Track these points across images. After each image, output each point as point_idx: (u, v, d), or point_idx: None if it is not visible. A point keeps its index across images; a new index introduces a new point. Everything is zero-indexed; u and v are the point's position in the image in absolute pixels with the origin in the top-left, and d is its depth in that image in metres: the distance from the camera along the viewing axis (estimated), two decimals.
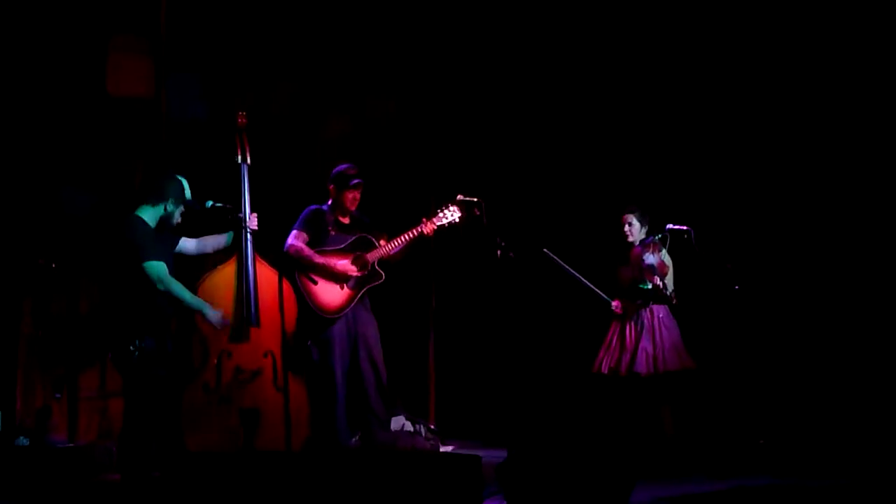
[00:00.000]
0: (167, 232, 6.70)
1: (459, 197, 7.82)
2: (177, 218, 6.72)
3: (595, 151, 9.12)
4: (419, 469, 5.76)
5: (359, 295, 7.73)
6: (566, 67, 9.20)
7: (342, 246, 7.74)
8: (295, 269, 7.58)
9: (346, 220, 7.83)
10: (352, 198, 7.77)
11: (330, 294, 7.67)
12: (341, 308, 7.69)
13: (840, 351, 8.30)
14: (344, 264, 7.69)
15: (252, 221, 7.14)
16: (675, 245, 7.61)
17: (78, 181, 8.18)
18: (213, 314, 6.83)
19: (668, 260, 7.67)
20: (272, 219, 7.43)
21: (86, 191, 8.17)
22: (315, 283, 7.59)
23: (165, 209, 6.66)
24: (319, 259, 7.64)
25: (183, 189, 6.71)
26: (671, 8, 8.82)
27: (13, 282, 8.05)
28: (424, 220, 7.83)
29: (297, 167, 8.74)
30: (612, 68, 9.05)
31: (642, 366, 7.63)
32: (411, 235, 7.79)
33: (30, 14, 8.17)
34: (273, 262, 7.21)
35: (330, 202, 7.83)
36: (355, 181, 7.75)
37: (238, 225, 7.09)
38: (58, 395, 8.01)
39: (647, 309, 7.74)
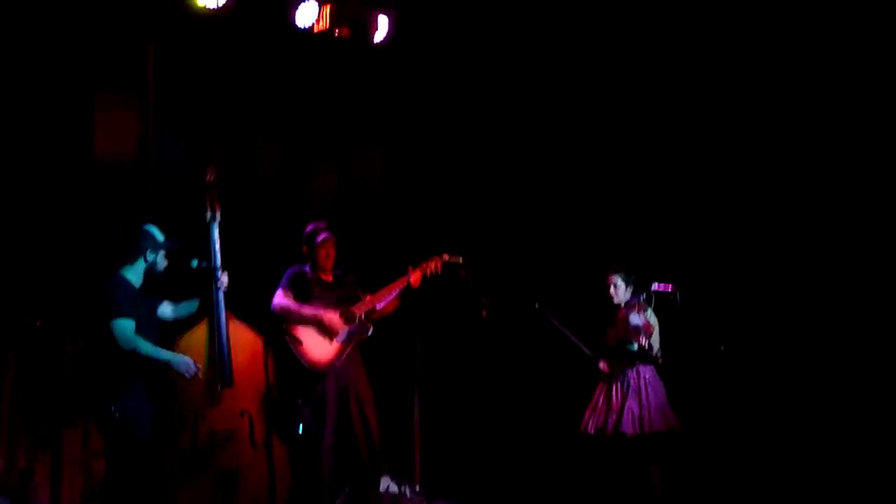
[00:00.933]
0: (154, 286, 6.67)
1: (445, 257, 7.81)
2: (162, 263, 6.72)
3: (579, 212, 9.12)
4: None
5: (348, 349, 7.68)
6: (553, 123, 9.21)
7: (328, 301, 7.71)
8: (283, 327, 7.54)
9: (329, 279, 7.82)
10: (324, 254, 7.76)
11: (319, 349, 7.63)
12: (331, 362, 7.63)
13: (828, 410, 8.26)
14: (331, 317, 7.66)
15: (222, 280, 7.08)
16: (661, 305, 7.59)
17: (62, 238, 8.17)
18: (180, 362, 6.66)
19: (653, 320, 7.65)
20: (254, 278, 7.41)
21: (67, 247, 8.16)
22: (301, 342, 7.55)
23: (145, 260, 6.66)
24: (308, 311, 7.61)
25: (153, 236, 6.71)
26: (651, 58, 8.83)
27: None
28: (410, 268, 7.80)
29: (279, 225, 8.72)
30: (597, 124, 9.06)
31: (628, 426, 7.60)
32: (397, 286, 7.77)
33: (17, 69, 8.20)
34: (256, 324, 7.14)
35: (309, 263, 7.82)
36: (322, 236, 7.74)
37: (211, 283, 7.01)
38: (41, 456, 7.96)
39: (634, 369, 7.71)
